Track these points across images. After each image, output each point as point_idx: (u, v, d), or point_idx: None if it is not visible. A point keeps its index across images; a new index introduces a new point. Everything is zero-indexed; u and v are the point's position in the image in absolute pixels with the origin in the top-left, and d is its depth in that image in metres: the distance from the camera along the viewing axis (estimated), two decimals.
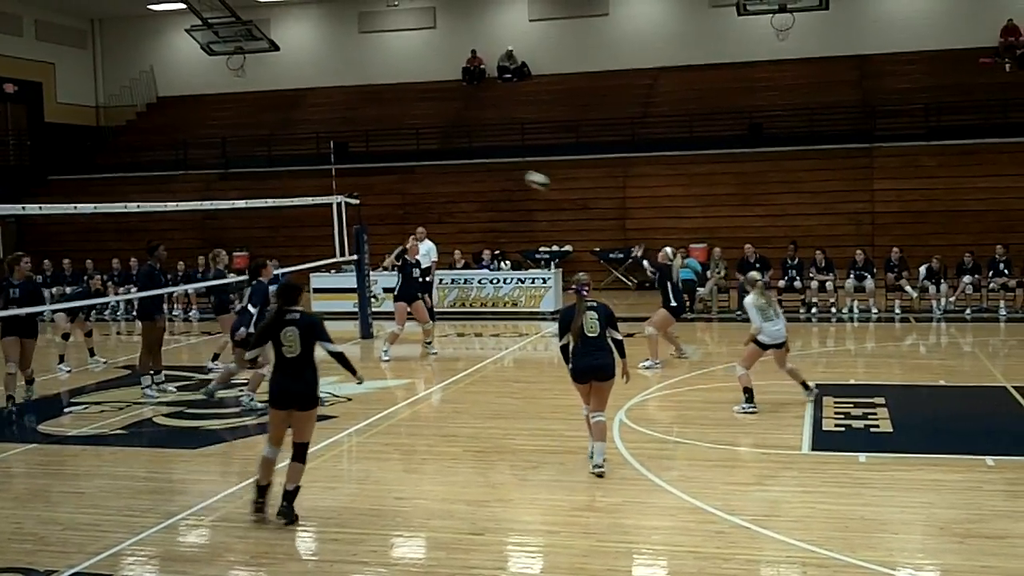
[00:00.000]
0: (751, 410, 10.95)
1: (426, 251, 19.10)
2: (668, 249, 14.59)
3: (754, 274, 11.99)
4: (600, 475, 8.50)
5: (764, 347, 11.22)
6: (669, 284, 14.32)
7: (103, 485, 9.00)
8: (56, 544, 7.23)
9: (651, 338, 14.39)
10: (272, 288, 11.17)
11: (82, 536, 7.39)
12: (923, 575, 6.40)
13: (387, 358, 15.26)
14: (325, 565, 6.76)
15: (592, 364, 8.60)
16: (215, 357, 14.76)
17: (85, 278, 17.78)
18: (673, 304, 14.37)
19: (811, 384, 11.45)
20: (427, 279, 19.00)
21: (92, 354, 15.77)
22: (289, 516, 7.48)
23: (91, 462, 9.87)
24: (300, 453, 7.68)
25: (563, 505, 7.90)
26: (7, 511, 8.11)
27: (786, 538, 6.94)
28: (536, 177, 14.86)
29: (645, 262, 15.03)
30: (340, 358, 7.84)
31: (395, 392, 13.05)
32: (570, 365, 8.70)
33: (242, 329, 11.51)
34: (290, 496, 7.54)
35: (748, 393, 11.09)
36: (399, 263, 15.81)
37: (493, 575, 6.52)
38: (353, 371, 7.99)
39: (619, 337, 8.84)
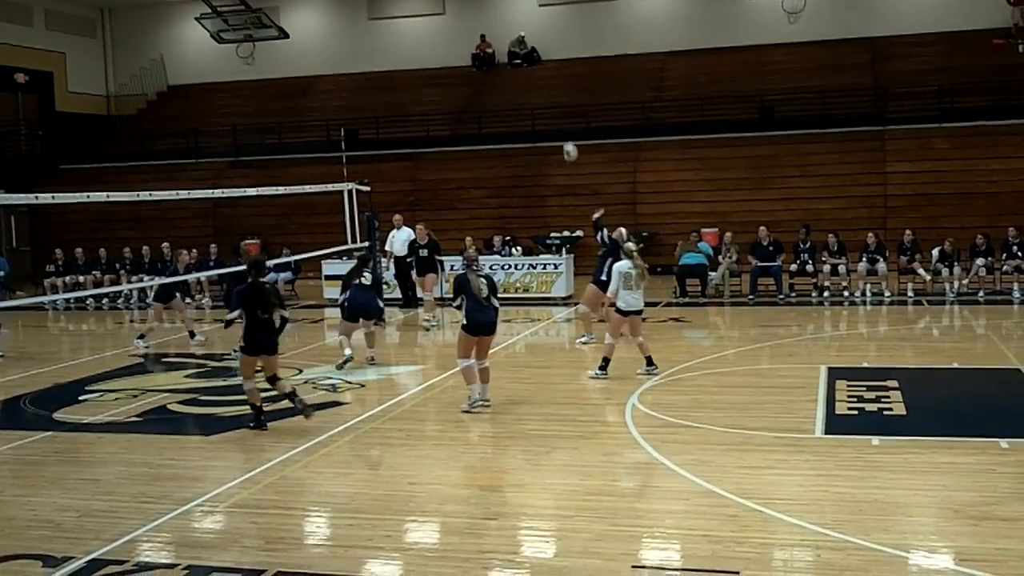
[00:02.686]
0: (602, 376, 12.00)
1: (405, 238, 19.06)
2: (622, 230, 14.78)
3: (631, 245, 12.63)
4: (488, 405, 10.48)
5: (625, 314, 12.09)
6: (611, 260, 14.31)
7: (118, 472, 9.05)
8: (72, 531, 7.28)
9: (585, 315, 15.11)
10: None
11: (98, 523, 7.43)
12: (937, 558, 6.39)
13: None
14: (339, 550, 6.79)
15: (484, 320, 10.50)
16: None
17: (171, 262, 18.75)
18: (603, 278, 14.31)
19: (655, 362, 12.22)
20: (408, 261, 19.01)
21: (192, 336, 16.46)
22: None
23: (106, 449, 9.92)
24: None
25: (576, 489, 7.92)
26: (23, 498, 8.16)
27: (799, 521, 6.94)
28: (570, 149, 16.95)
29: (603, 231, 15.09)
30: None
31: (407, 378, 13.07)
32: (464, 320, 10.49)
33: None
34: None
35: (605, 362, 12.09)
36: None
37: (507, 559, 6.54)
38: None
39: (497, 305, 10.62)
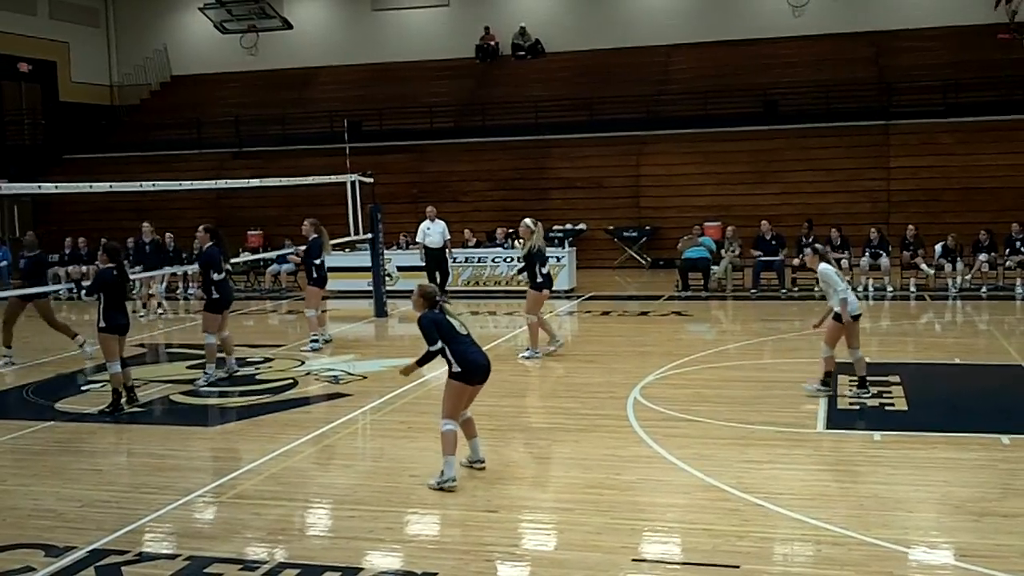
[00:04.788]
0: (825, 392, 10.39)
1: (441, 231, 19.33)
2: (528, 221, 13.54)
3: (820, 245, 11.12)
4: (483, 466, 8.23)
5: (854, 318, 10.37)
6: (537, 264, 13.33)
7: (121, 462, 9.08)
8: (75, 520, 7.30)
9: (532, 325, 13.42)
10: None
11: (100, 513, 7.45)
12: (938, 553, 6.40)
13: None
14: (341, 542, 6.80)
15: (483, 361, 8.06)
16: None
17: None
18: (539, 280, 13.37)
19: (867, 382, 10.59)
20: (446, 258, 19.35)
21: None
22: None
23: (109, 440, 9.95)
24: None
25: (577, 483, 7.92)
26: (26, 488, 8.18)
27: (800, 516, 6.95)
28: None
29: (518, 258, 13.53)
30: None
31: None
32: (456, 367, 7.94)
33: None
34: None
35: (828, 376, 10.49)
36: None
37: (507, 552, 6.55)
38: None
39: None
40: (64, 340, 14.64)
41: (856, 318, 10.39)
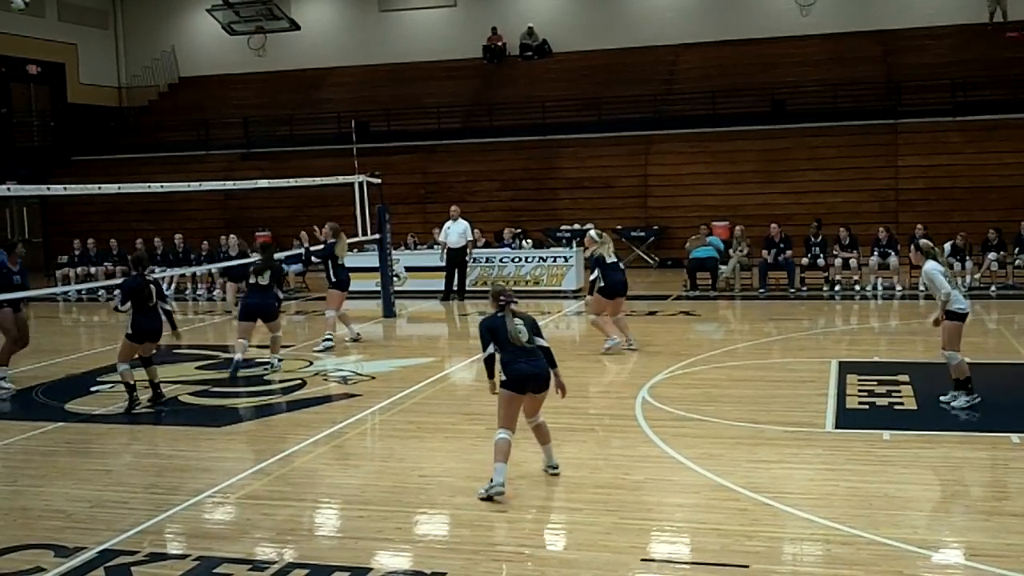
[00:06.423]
0: (975, 402, 9.62)
1: (462, 231, 19.51)
2: (593, 233, 13.63)
3: (926, 241, 10.63)
4: (556, 472, 8.01)
5: (963, 317, 9.85)
6: (605, 266, 13.27)
7: (130, 463, 9.10)
8: (84, 521, 7.32)
9: (619, 322, 13.56)
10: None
11: (109, 513, 7.47)
12: (948, 553, 6.38)
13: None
14: (350, 542, 6.81)
15: (531, 371, 7.75)
16: None
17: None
18: (606, 284, 13.28)
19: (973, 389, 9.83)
20: (465, 259, 19.57)
21: None
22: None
23: (118, 440, 9.97)
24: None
25: (586, 482, 7.92)
26: (36, 488, 8.21)
27: (810, 515, 6.93)
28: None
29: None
30: None
31: (418, 370, 13.07)
32: (501, 376, 7.77)
33: None
34: None
35: (967, 382, 9.69)
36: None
37: (516, 552, 6.55)
38: None
39: (546, 344, 7.96)
40: (76, 341, 14.69)
41: (962, 318, 9.83)
